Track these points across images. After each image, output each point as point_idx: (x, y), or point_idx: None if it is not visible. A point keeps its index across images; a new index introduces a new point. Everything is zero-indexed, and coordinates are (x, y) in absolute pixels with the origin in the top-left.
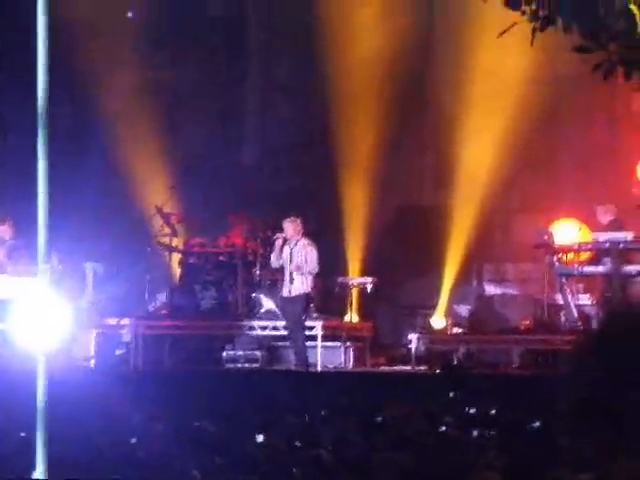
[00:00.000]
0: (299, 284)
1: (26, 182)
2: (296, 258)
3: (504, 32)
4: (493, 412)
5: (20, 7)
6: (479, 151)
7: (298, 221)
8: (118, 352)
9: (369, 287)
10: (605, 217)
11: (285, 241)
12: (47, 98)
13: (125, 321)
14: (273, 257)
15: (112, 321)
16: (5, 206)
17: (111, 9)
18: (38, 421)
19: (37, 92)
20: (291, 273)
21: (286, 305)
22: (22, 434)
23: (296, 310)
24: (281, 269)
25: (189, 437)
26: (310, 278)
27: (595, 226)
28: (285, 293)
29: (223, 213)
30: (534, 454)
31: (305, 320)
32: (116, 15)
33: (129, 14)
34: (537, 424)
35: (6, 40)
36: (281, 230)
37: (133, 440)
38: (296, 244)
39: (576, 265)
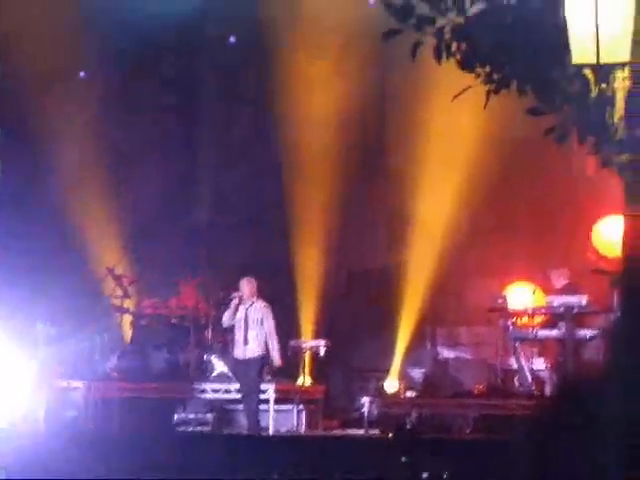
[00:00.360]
0: (255, 346)
1: None
2: (252, 319)
3: (458, 95)
4: (445, 476)
5: None
6: (433, 213)
7: (254, 281)
8: (69, 414)
9: (322, 350)
10: (559, 281)
11: (241, 300)
12: None
13: (76, 383)
14: (227, 315)
15: (63, 383)
16: None
17: (63, 67)
18: None
19: None
20: (246, 335)
21: (240, 367)
22: None
23: (251, 373)
24: (231, 329)
25: None
26: (265, 340)
27: (549, 290)
28: (239, 355)
29: (175, 275)
30: None
31: (260, 383)
32: (68, 74)
33: (81, 74)
34: None
35: None
36: (233, 292)
37: None
38: (252, 305)
39: (530, 329)
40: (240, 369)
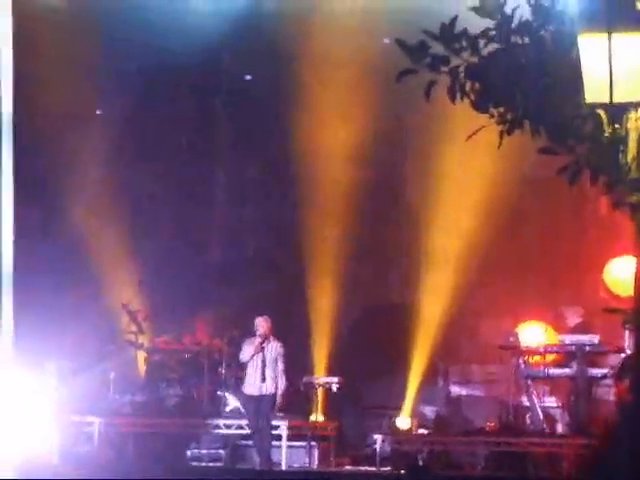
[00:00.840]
0: (270, 383)
1: None
2: (269, 358)
3: (472, 135)
4: None
5: None
6: (447, 251)
7: (269, 320)
8: (82, 449)
9: (335, 387)
10: (573, 319)
11: (264, 339)
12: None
13: (90, 418)
14: (247, 352)
15: (77, 418)
16: None
17: (81, 104)
18: None
19: None
20: (263, 372)
21: (252, 404)
22: None
23: (266, 409)
24: (244, 366)
25: None
26: (277, 378)
27: (562, 328)
28: (254, 392)
29: (189, 312)
30: None
31: (272, 419)
32: (86, 111)
33: (98, 112)
34: None
35: None
36: (247, 329)
37: None
38: (269, 343)
39: (542, 367)
40: (252, 405)
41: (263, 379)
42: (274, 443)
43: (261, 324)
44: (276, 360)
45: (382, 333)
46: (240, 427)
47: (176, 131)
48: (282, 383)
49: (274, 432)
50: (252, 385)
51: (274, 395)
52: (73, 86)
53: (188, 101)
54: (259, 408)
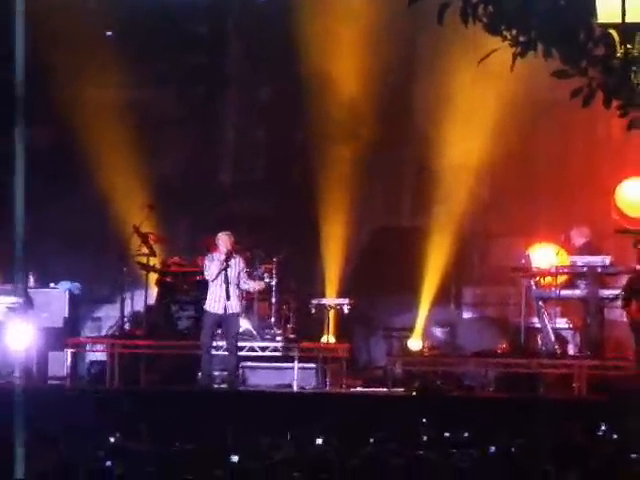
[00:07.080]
0: (236, 302)
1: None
2: (233, 274)
3: (484, 58)
4: (468, 435)
5: None
6: (458, 173)
7: (232, 236)
8: (93, 371)
9: (346, 308)
10: (579, 239)
11: (229, 256)
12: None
13: (101, 340)
14: (213, 269)
15: (87, 340)
16: None
17: (90, 26)
18: (16, 439)
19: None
20: (227, 290)
21: (215, 321)
22: None
23: (233, 329)
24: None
25: (163, 458)
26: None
27: (571, 250)
28: (219, 310)
29: (200, 234)
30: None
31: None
32: (95, 33)
33: (108, 33)
34: (513, 448)
35: None
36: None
37: (108, 463)
38: (233, 259)
39: (553, 289)
40: (211, 322)
41: (228, 297)
42: (286, 365)
43: (224, 240)
44: (239, 276)
45: (393, 254)
46: (252, 349)
47: (188, 53)
48: (252, 285)
49: (286, 354)
50: (217, 302)
51: (238, 315)
52: (82, 8)
53: (200, 25)
54: (225, 328)
